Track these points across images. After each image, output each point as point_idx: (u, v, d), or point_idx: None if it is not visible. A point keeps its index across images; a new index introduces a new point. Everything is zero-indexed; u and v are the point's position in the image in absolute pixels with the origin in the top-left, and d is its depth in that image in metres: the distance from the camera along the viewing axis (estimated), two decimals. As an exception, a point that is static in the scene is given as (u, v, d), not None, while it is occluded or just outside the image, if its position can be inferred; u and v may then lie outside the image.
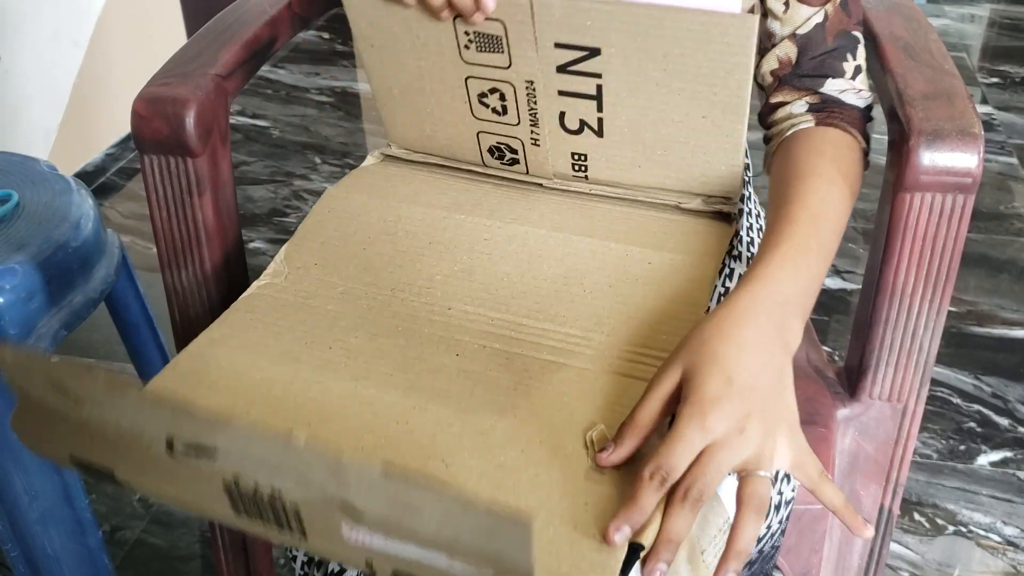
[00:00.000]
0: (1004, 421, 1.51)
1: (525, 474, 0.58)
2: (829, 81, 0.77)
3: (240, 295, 0.73)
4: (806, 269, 0.66)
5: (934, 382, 1.56)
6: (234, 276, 0.87)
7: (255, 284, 0.74)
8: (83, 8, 2.01)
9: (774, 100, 0.79)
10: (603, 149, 0.77)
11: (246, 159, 2.22)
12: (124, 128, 2.17)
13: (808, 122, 0.76)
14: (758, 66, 0.79)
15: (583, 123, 0.76)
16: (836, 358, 1.59)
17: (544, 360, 0.66)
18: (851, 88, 0.77)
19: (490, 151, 0.81)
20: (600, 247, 0.75)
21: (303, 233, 0.78)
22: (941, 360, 1.62)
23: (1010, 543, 1.31)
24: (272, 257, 0.79)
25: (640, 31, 0.68)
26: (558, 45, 0.71)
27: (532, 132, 0.78)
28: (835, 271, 1.79)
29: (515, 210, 0.80)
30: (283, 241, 0.80)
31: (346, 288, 0.73)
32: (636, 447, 0.59)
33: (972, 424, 1.51)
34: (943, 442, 1.47)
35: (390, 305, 0.71)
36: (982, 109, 2.42)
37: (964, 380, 1.59)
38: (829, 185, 0.71)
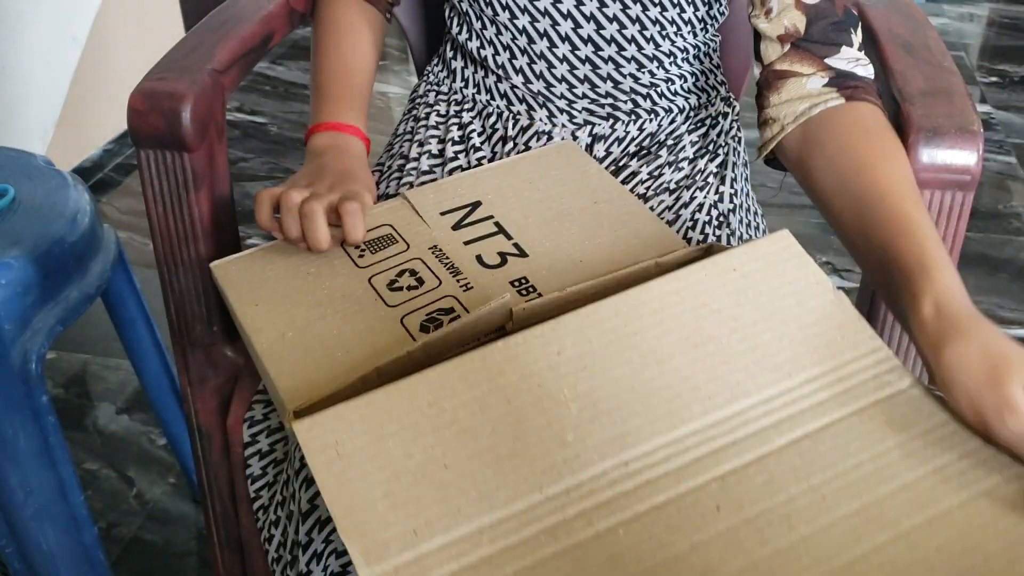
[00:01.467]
0: (1002, 420, 1.51)
1: None
2: (844, 49, 0.76)
3: None
4: (947, 265, 0.63)
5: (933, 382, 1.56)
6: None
7: None
8: (81, 5, 2.01)
9: (781, 67, 0.77)
10: (536, 263, 0.74)
11: (244, 155, 2.22)
12: (122, 124, 2.16)
13: (837, 99, 0.74)
14: (759, 35, 0.79)
15: (502, 255, 0.75)
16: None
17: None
18: (859, 60, 0.77)
19: (422, 328, 0.70)
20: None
21: None
22: (939, 359, 1.61)
23: (1007, 542, 1.31)
24: (268, 253, 0.78)
25: (503, 175, 0.82)
26: (443, 213, 0.79)
27: (459, 280, 0.73)
28: (834, 270, 1.79)
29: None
30: (280, 237, 0.79)
31: None
32: None
33: (970, 423, 1.50)
34: (941, 441, 1.47)
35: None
36: (981, 108, 2.42)
37: (962, 379, 1.58)
38: (904, 161, 0.70)
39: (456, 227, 0.78)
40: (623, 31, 0.85)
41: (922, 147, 0.73)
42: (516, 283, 0.73)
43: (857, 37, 0.77)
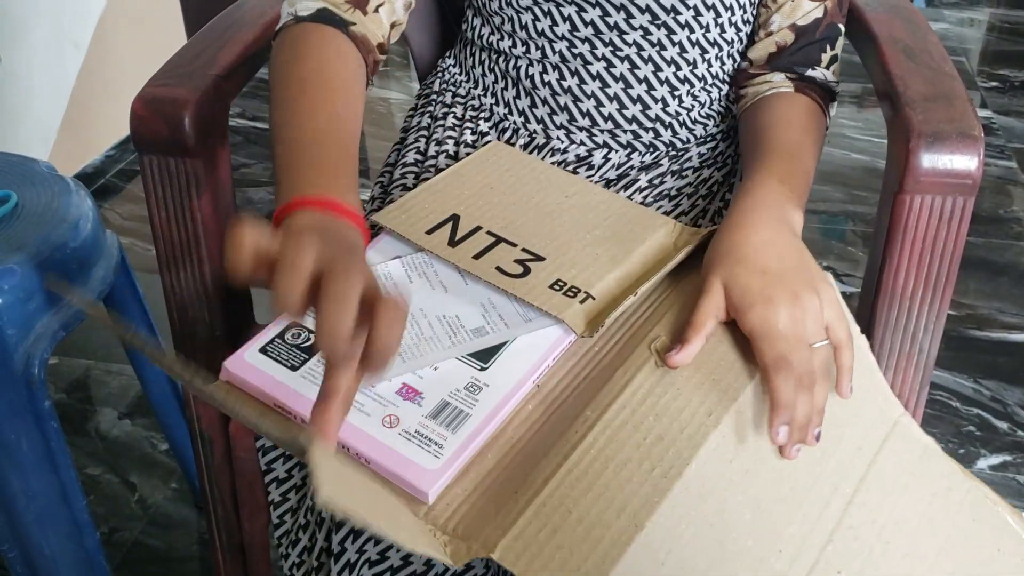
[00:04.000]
0: (1003, 425, 1.51)
1: None
2: (810, 70, 0.86)
3: (238, 297, 0.73)
4: (791, 177, 0.76)
5: (933, 385, 1.56)
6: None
7: None
8: (84, 10, 2.02)
9: (755, 72, 0.88)
10: (559, 264, 0.74)
11: (246, 161, 2.22)
12: (124, 130, 2.16)
13: (787, 87, 0.86)
14: (750, 45, 0.89)
15: (520, 262, 0.74)
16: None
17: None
18: (824, 77, 0.87)
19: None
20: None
21: None
22: (941, 363, 1.61)
23: (1009, 547, 1.31)
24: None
25: (458, 185, 0.81)
26: (428, 232, 0.76)
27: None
28: (834, 274, 1.79)
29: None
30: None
31: None
32: (701, 345, 0.67)
33: (971, 427, 1.50)
34: (942, 445, 1.46)
35: None
36: (981, 113, 2.42)
37: (963, 383, 1.59)
38: (803, 132, 0.81)
39: (453, 244, 0.75)
40: (663, 52, 0.86)
41: (923, 152, 0.73)
42: (556, 286, 0.72)
43: (831, 52, 0.87)
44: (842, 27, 0.87)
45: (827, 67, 0.87)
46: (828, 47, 0.87)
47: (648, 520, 0.59)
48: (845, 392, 0.69)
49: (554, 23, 0.86)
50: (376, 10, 0.80)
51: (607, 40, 0.85)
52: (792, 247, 0.71)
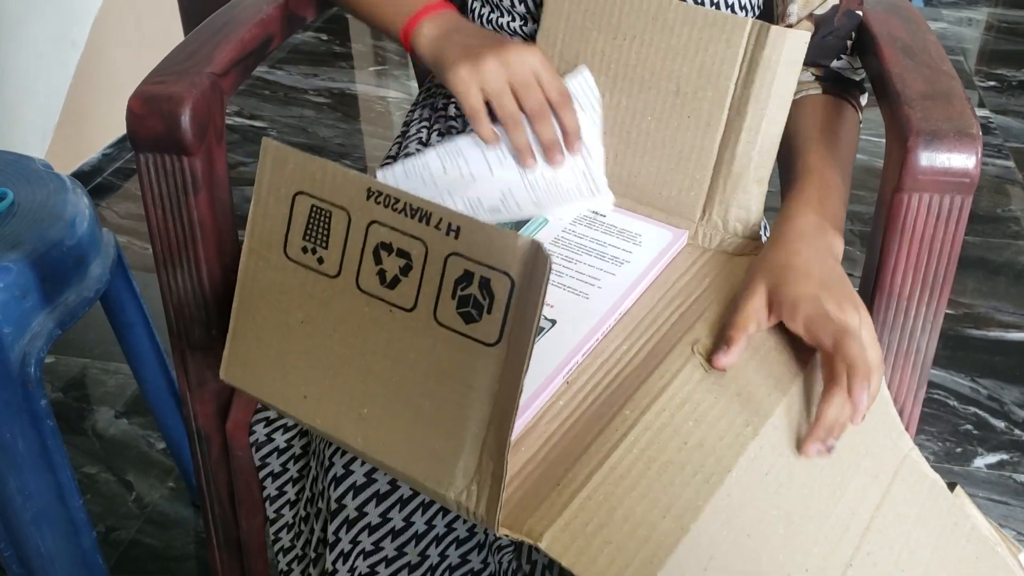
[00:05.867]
0: (1000, 423, 1.51)
1: None
2: (835, 60, 0.86)
3: (233, 295, 0.72)
4: (831, 200, 0.76)
5: (931, 384, 1.56)
6: (229, 276, 0.87)
7: None
8: (80, 9, 2.01)
9: None
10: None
11: (243, 160, 2.22)
12: (121, 128, 2.16)
13: (816, 89, 0.86)
14: None
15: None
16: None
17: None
18: (850, 65, 0.87)
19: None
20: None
21: None
22: (938, 362, 1.61)
23: (1007, 546, 1.31)
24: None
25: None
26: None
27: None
28: (832, 273, 1.79)
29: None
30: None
31: None
32: (745, 345, 0.67)
33: (969, 426, 1.51)
34: (940, 444, 1.47)
35: None
36: (979, 112, 2.43)
37: (961, 382, 1.59)
38: (833, 138, 0.82)
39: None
40: None
41: (921, 150, 0.73)
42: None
43: (851, 40, 0.87)
44: (859, 13, 0.87)
45: (851, 53, 0.87)
46: (849, 37, 0.87)
47: (693, 524, 0.59)
48: (858, 419, 0.67)
49: None
50: None
51: None
52: (835, 271, 0.71)
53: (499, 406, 0.55)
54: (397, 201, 0.57)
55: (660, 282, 0.76)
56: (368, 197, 0.58)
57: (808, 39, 0.76)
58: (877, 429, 0.71)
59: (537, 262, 0.51)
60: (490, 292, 0.54)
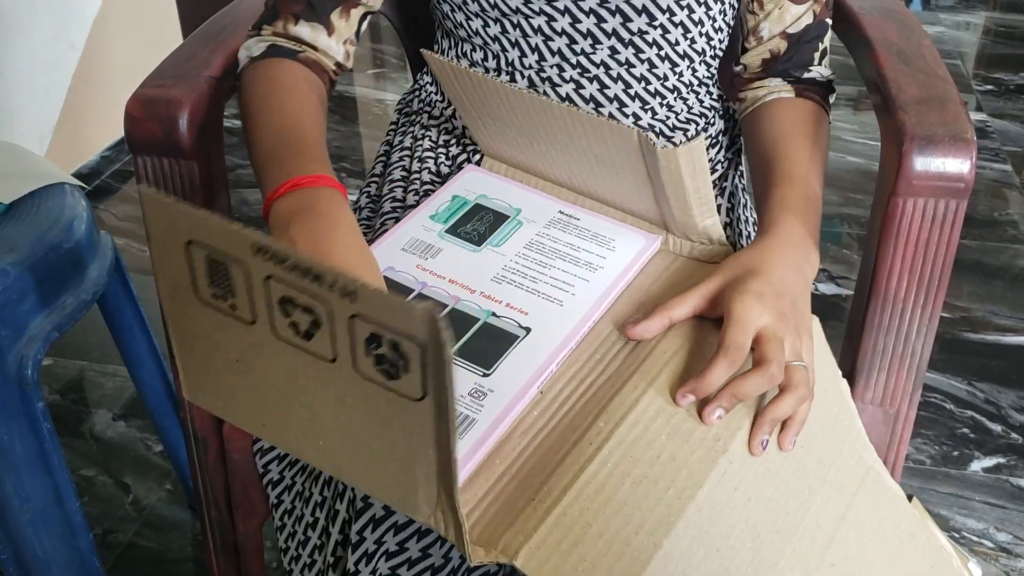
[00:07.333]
0: (997, 427, 1.51)
1: None
2: (806, 72, 0.87)
3: None
4: (811, 214, 0.76)
5: (927, 388, 1.57)
6: (227, 278, 0.87)
7: None
8: (79, 11, 2.01)
9: (751, 76, 0.89)
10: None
11: (241, 162, 2.22)
12: (119, 131, 2.16)
13: (788, 92, 0.87)
14: (743, 52, 0.89)
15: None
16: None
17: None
18: (820, 75, 0.88)
19: None
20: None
21: None
22: (934, 366, 1.62)
23: (1003, 549, 1.31)
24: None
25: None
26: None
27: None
28: (829, 276, 1.79)
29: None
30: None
31: None
32: (662, 327, 0.69)
33: (965, 430, 1.51)
34: (936, 448, 1.47)
35: None
36: (977, 116, 2.43)
37: (957, 386, 1.59)
38: (812, 144, 0.82)
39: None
40: (631, 70, 0.86)
41: (916, 155, 0.73)
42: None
43: (821, 47, 0.88)
44: (829, 21, 0.88)
45: (819, 63, 0.88)
46: (819, 44, 0.88)
47: (665, 539, 0.59)
48: (786, 444, 0.67)
49: (523, 54, 0.86)
50: (332, 33, 0.85)
51: (575, 63, 0.86)
52: (800, 280, 0.71)
53: (443, 449, 0.53)
54: (286, 259, 0.51)
55: (633, 289, 0.76)
56: (256, 253, 0.52)
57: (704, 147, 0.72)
58: (843, 441, 0.72)
59: (441, 329, 0.47)
60: (403, 354, 0.50)
